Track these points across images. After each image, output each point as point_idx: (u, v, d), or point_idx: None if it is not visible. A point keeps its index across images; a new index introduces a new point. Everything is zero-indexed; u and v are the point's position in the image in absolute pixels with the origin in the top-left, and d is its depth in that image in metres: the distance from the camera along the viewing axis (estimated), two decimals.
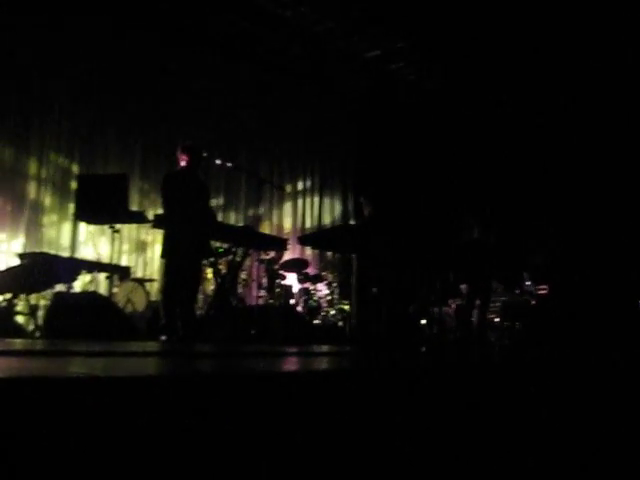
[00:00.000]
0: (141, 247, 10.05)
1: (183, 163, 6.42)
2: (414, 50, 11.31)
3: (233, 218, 11.49)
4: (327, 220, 13.33)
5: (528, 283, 10.03)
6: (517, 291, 9.92)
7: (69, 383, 1.09)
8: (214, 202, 10.53)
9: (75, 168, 9.40)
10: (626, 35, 9.51)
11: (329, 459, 1.32)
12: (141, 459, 1.06)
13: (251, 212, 11.52)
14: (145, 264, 10.09)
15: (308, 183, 13.11)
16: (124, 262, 9.45)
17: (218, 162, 7.72)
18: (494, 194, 11.35)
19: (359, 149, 13.53)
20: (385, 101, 12.78)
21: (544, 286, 9.90)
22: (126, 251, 9.80)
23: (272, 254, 9.79)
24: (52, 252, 8.46)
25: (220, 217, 10.48)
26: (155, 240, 9.93)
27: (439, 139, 12.24)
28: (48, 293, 7.18)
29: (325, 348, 4.55)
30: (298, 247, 11.32)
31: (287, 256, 10.46)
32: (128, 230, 9.67)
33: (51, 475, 0.97)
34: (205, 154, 6.78)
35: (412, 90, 12.41)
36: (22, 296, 6.71)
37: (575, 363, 2.91)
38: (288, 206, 12.70)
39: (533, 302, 9.83)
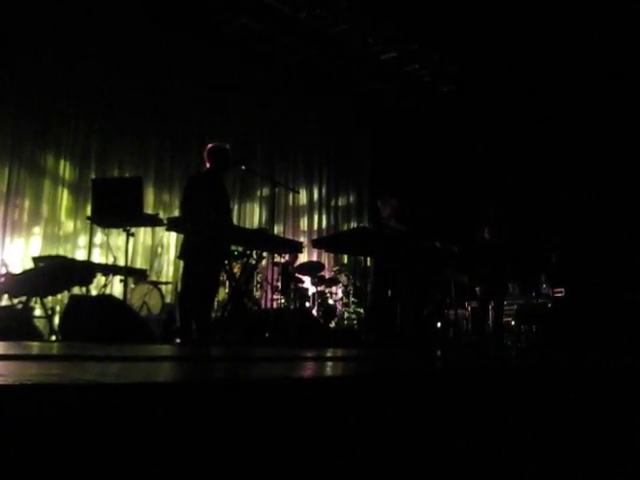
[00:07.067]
0: (156, 250, 10.08)
1: (208, 165, 6.37)
2: (429, 52, 11.29)
3: (247, 221, 11.52)
4: (342, 223, 13.33)
5: (544, 286, 9.97)
6: (533, 294, 9.86)
7: (79, 390, 1.08)
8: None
9: (90, 172, 9.45)
10: None
11: (346, 467, 1.30)
12: (151, 468, 1.05)
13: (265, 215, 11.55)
14: (160, 267, 10.12)
15: (323, 186, 13.10)
16: (139, 265, 9.50)
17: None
18: (508, 195, 11.31)
19: (375, 152, 13.52)
20: (400, 103, 12.77)
21: (560, 289, 9.83)
22: (141, 254, 9.84)
23: (287, 257, 9.77)
24: (67, 255, 8.50)
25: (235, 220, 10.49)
26: (169, 243, 9.97)
27: (453, 141, 12.20)
28: (64, 296, 7.19)
29: (340, 352, 4.53)
30: (313, 250, 11.30)
31: (302, 259, 10.45)
32: (143, 233, 9.73)
33: None
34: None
35: (427, 92, 12.39)
36: (38, 299, 6.73)
37: (592, 365, 2.88)
38: (303, 209, 12.71)
39: (549, 305, 9.77)
